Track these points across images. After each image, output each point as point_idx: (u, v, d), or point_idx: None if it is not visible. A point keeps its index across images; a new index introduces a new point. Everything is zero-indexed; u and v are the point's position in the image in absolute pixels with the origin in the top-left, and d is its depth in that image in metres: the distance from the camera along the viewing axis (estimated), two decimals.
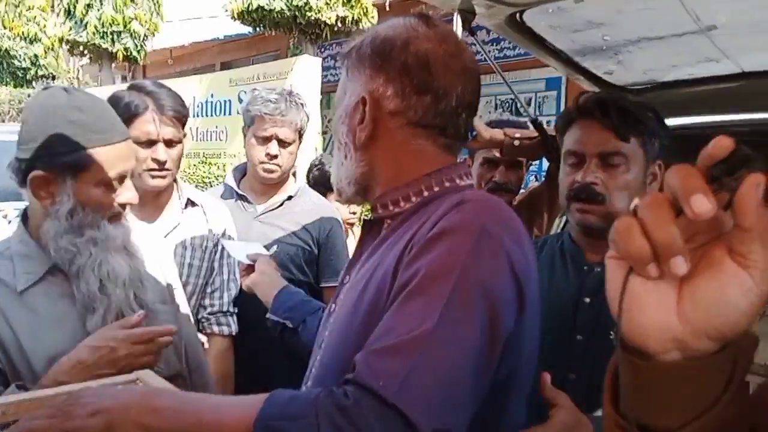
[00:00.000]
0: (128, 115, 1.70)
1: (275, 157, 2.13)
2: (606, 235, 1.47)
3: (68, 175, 1.23)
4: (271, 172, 2.15)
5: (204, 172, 8.31)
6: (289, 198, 2.23)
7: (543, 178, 2.38)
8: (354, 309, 0.98)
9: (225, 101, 8.88)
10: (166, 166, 1.81)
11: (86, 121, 1.25)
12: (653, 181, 1.44)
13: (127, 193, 1.33)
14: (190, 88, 9.58)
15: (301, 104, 2.18)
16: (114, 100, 1.71)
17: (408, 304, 0.86)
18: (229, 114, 8.87)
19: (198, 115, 9.30)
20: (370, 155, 1.05)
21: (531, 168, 2.58)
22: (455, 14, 1.87)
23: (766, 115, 2.08)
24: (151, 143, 1.78)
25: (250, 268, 1.52)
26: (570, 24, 1.85)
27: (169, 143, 1.81)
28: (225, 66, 15.03)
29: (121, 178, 1.31)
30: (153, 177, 1.81)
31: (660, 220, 0.48)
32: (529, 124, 2.00)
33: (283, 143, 2.14)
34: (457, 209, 0.92)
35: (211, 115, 9.10)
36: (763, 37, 1.78)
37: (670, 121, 2.29)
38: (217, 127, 8.96)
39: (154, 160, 1.79)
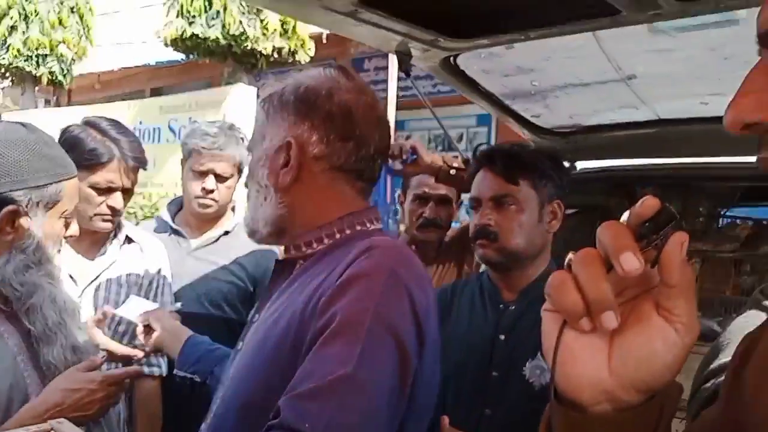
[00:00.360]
0: (94, 162, 1.69)
1: (211, 191, 2.08)
2: (508, 270, 1.56)
3: (42, 209, 1.24)
4: (207, 207, 2.10)
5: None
6: (226, 233, 2.16)
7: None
8: (259, 347, 1.02)
9: (154, 129, 8.66)
10: (117, 212, 1.79)
11: (54, 155, 1.27)
12: (553, 219, 1.58)
13: (73, 226, 1.35)
14: (118, 114, 9.29)
15: (242, 138, 2.13)
16: (74, 141, 1.68)
17: (327, 348, 0.90)
18: (158, 142, 8.65)
19: None
20: (291, 198, 1.08)
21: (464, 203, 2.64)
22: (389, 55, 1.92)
23: (680, 160, 2.22)
24: (110, 190, 1.75)
25: (148, 329, 1.48)
26: (501, 69, 1.94)
27: (125, 191, 1.79)
28: (155, 92, 14.72)
29: (73, 212, 1.34)
30: (104, 221, 1.78)
31: (592, 276, 0.49)
32: (462, 164, 2.05)
33: (220, 178, 2.09)
34: (366, 255, 0.97)
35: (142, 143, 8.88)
36: (676, 87, 1.92)
37: (594, 164, 2.42)
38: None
39: (110, 207, 1.75)
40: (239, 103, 7.61)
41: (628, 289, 0.53)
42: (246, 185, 1.17)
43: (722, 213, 2.46)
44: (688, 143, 2.10)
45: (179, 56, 10.54)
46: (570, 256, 0.52)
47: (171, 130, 8.31)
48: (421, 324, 0.96)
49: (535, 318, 1.60)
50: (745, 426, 0.59)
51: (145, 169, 1.84)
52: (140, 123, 8.77)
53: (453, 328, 1.61)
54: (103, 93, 15.22)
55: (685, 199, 2.37)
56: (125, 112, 9.28)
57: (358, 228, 1.08)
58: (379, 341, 0.90)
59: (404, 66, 1.85)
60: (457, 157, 2.16)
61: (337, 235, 1.07)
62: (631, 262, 0.47)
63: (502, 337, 1.54)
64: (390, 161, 1.99)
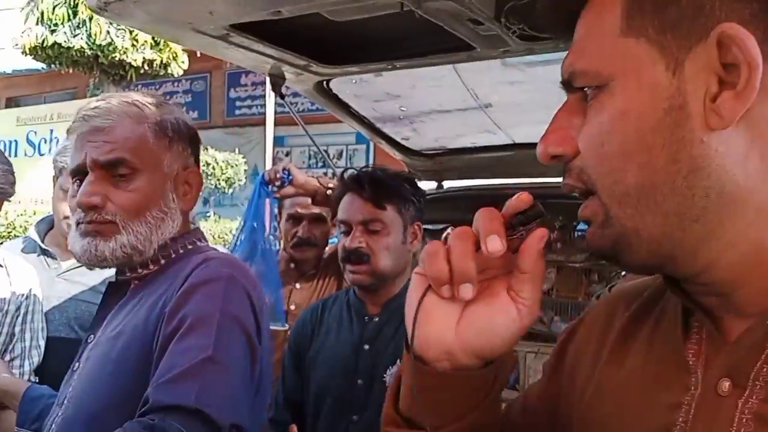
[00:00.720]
0: None
1: None
2: (375, 289, 1.68)
3: None
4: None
5: None
6: None
7: None
8: (102, 363, 1.05)
9: (11, 141, 8.06)
10: None
11: None
12: (414, 240, 1.71)
13: None
14: None
15: None
16: None
17: (182, 343, 0.98)
18: (15, 155, 8.06)
19: None
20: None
21: None
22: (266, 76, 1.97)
23: (534, 180, 2.43)
24: None
25: None
26: (371, 94, 2.04)
27: None
28: (11, 102, 13.61)
29: None
30: None
31: (461, 251, 0.58)
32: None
33: None
34: (204, 265, 1.08)
35: None
36: (527, 114, 2.11)
37: (460, 183, 2.59)
38: None
39: None
40: None
41: (490, 269, 0.62)
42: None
43: (575, 227, 2.73)
44: (541, 165, 2.31)
45: (38, 65, 9.85)
46: (449, 230, 0.61)
47: (29, 143, 7.76)
48: (259, 319, 1.10)
49: (395, 327, 1.64)
50: (559, 401, 0.70)
51: (9, 201, 1.75)
52: None
53: (322, 342, 1.71)
54: None
55: None
56: None
57: (190, 247, 1.18)
58: (229, 331, 1.02)
59: (278, 88, 1.90)
60: (332, 177, 2.24)
61: (173, 255, 1.15)
62: (495, 244, 0.57)
63: (366, 346, 1.64)
64: (268, 186, 2.04)
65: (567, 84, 0.60)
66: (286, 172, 2.04)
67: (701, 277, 0.57)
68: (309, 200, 2.18)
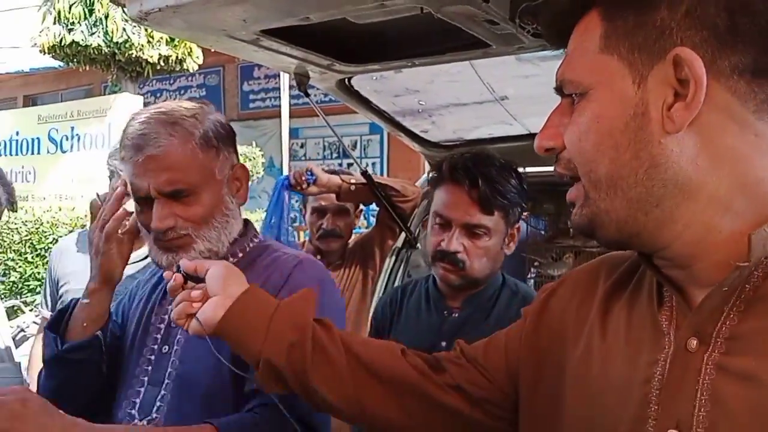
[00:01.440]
0: None
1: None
2: (465, 288, 1.56)
3: None
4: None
5: (8, 216, 7.55)
6: None
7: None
8: (207, 346, 1.10)
9: (33, 139, 8.19)
10: None
11: None
12: (511, 242, 1.58)
13: None
14: None
15: None
16: None
17: None
18: (38, 153, 8.21)
19: (0, 154, 8.48)
20: None
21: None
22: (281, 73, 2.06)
23: (549, 168, 2.50)
24: None
25: None
26: (391, 89, 2.12)
27: None
28: (29, 100, 13.82)
29: None
30: None
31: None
32: (361, 176, 2.22)
33: None
34: (299, 268, 1.20)
35: (17, 154, 8.34)
36: (541, 105, 2.18)
37: None
38: (23, 167, 8.22)
39: None
40: (125, 112, 7.37)
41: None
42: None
43: None
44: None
45: (55, 62, 10.00)
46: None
47: (51, 140, 7.90)
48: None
49: (477, 326, 1.57)
50: (548, 354, 0.83)
51: (15, 211, 1.85)
52: (17, 133, 8.27)
53: (401, 331, 1.63)
54: None
55: (558, 201, 2.67)
56: None
57: (256, 240, 1.30)
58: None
59: (303, 87, 1.99)
60: (352, 174, 2.33)
61: (247, 249, 1.27)
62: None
63: (444, 344, 1.53)
64: (291, 189, 2.15)
65: (559, 90, 0.74)
66: (309, 173, 2.15)
67: (664, 252, 0.69)
68: (333, 195, 2.28)
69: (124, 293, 1.38)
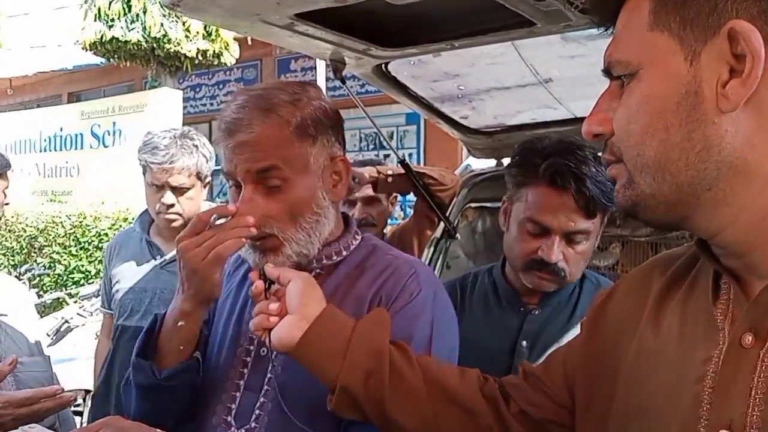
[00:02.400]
0: None
1: (171, 206, 2.05)
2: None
3: None
4: (171, 221, 2.08)
5: (53, 211, 7.75)
6: None
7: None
8: None
9: (76, 135, 8.38)
10: None
11: None
12: (596, 241, 1.47)
13: None
14: (36, 121, 8.94)
15: (195, 146, 2.08)
16: None
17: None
18: (81, 148, 8.39)
19: (45, 150, 8.69)
20: None
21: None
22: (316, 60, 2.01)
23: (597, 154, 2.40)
24: None
25: None
26: (429, 74, 2.06)
27: None
28: (73, 97, 14.15)
29: None
30: None
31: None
32: (398, 164, 2.17)
33: (178, 190, 2.04)
34: (412, 278, 1.12)
35: (61, 150, 8.55)
36: (588, 88, 2.08)
37: None
38: (67, 162, 8.42)
39: None
40: (164, 106, 7.47)
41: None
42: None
43: None
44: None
45: (97, 59, 10.21)
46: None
47: (94, 135, 8.06)
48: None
49: (561, 325, 1.47)
50: (603, 359, 0.80)
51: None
52: (61, 129, 8.47)
53: (468, 330, 1.38)
54: (16, 98, 14.50)
55: None
56: (44, 118, 8.94)
57: (359, 237, 1.22)
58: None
59: (339, 74, 1.94)
60: (385, 165, 2.27)
61: (351, 247, 1.20)
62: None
63: (525, 343, 1.43)
64: None
65: (607, 72, 0.71)
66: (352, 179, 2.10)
67: (718, 238, 0.66)
68: (371, 188, 2.23)
69: None
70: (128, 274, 2.16)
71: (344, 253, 1.18)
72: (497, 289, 1.55)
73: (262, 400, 1.10)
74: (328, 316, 0.93)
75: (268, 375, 1.11)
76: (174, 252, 1.99)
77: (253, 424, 1.09)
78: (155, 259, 2.12)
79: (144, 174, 2.10)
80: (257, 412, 1.09)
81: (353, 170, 2.12)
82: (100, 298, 2.46)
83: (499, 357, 1.45)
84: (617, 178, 0.70)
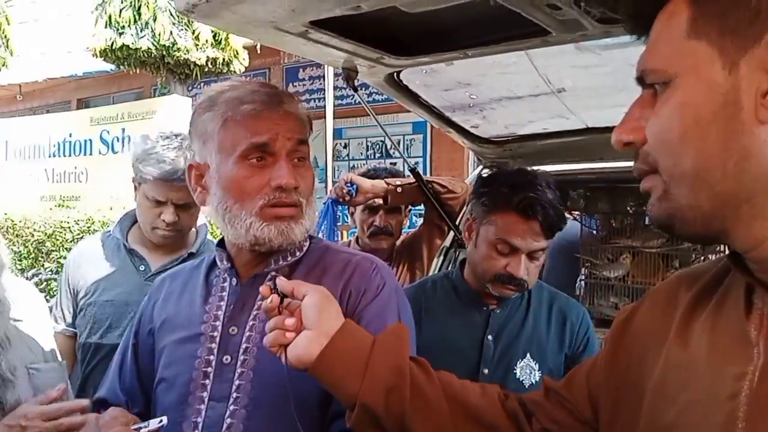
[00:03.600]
0: None
1: (173, 223, 1.87)
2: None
3: None
4: (166, 237, 1.90)
5: (62, 216, 7.77)
6: (191, 255, 1.94)
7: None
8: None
9: (86, 141, 8.41)
10: None
11: None
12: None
13: None
14: (46, 126, 8.98)
15: None
16: None
17: None
18: (90, 154, 8.41)
19: (54, 155, 8.73)
20: None
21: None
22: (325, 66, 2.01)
23: (607, 164, 2.39)
24: None
25: None
26: (441, 83, 2.05)
27: None
28: (82, 103, 14.23)
29: None
30: None
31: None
32: (408, 173, 2.16)
33: (181, 206, 1.86)
34: (375, 272, 1.17)
35: (70, 155, 8.57)
36: (601, 98, 2.08)
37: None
38: (76, 167, 8.44)
39: None
40: (173, 114, 7.49)
41: None
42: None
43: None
44: (614, 149, 2.28)
45: (107, 66, 10.26)
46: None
47: (103, 142, 8.09)
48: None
49: (519, 321, 1.72)
50: (627, 376, 0.79)
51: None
52: (70, 135, 8.49)
53: (435, 329, 1.66)
54: (25, 104, 14.59)
55: (613, 199, 2.56)
56: (53, 123, 8.97)
57: (313, 240, 1.25)
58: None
59: (351, 82, 1.94)
60: (394, 177, 2.27)
61: (305, 248, 1.22)
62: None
63: (490, 337, 1.65)
64: (338, 203, 2.11)
65: (640, 80, 0.70)
66: (350, 184, 2.11)
67: (754, 252, 0.64)
68: (381, 201, 2.22)
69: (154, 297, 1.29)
70: (105, 285, 1.93)
71: (298, 254, 1.20)
72: (458, 291, 1.74)
73: (232, 408, 1.08)
74: (347, 331, 0.92)
75: (237, 382, 1.09)
76: (160, 263, 1.91)
77: None
78: (138, 270, 1.92)
79: (138, 184, 1.89)
80: (228, 421, 1.08)
81: (354, 178, 2.14)
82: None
83: (468, 352, 1.64)
84: (652, 191, 0.69)
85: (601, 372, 0.84)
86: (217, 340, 1.14)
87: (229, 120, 1.11)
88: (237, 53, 9.15)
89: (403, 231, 2.55)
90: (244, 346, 1.13)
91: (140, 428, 1.07)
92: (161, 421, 1.08)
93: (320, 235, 2.08)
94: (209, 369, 1.13)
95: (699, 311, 0.73)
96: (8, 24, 11.00)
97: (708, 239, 0.68)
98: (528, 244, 1.58)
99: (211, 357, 1.13)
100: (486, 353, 1.63)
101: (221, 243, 1.25)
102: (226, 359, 1.12)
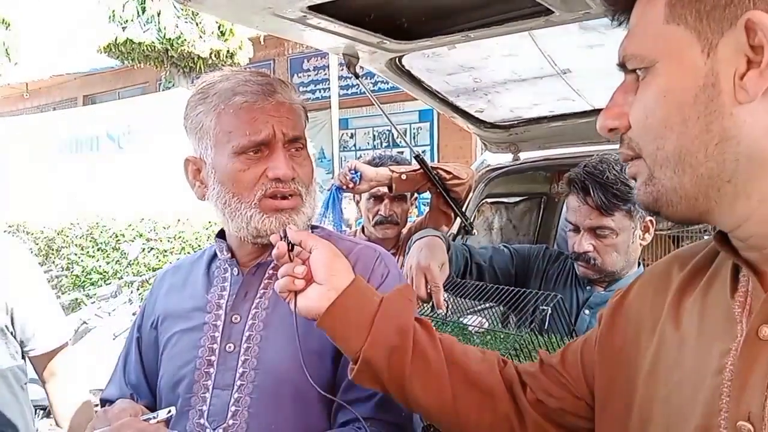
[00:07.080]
0: None
1: None
2: (604, 280, 1.73)
3: None
4: None
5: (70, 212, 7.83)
6: None
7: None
8: (292, 339, 1.01)
9: (92, 137, 8.44)
10: None
11: None
12: (645, 233, 1.71)
13: None
14: (53, 124, 9.02)
15: None
16: None
17: None
18: (97, 150, 8.44)
19: (61, 152, 8.76)
20: None
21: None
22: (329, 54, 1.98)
23: (615, 146, 2.36)
24: None
25: None
26: (444, 67, 2.02)
27: None
28: (88, 99, 14.27)
29: None
30: None
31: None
32: (413, 160, 2.13)
33: None
34: (379, 261, 1.17)
35: (78, 152, 8.61)
36: (607, 79, 2.04)
37: (537, 153, 2.54)
38: (83, 164, 8.48)
39: None
40: (179, 108, 7.45)
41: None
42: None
43: None
44: None
45: (112, 62, 10.27)
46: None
47: (110, 137, 8.11)
48: None
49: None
50: (622, 353, 0.81)
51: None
52: (77, 132, 8.52)
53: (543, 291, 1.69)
54: (32, 102, 14.66)
55: None
56: (60, 122, 9.00)
57: (316, 229, 1.23)
58: None
59: (352, 68, 1.91)
60: (399, 165, 2.24)
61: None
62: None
63: (587, 312, 1.73)
64: (343, 191, 2.09)
65: (622, 66, 0.71)
66: (354, 171, 2.08)
67: (738, 231, 0.67)
68: (386, 189, 2.20)
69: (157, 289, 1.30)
70: None
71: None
72: (575, 273, 1.80)
73: (236, 395, 1.08)
74: (356, 288, 0.94)
75: (240, 370, 1.10)
76: None
77: (230, 422, 1.07)
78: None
79: None
80: (233, 408, 1.08)
81: (358, 166, 2.11)
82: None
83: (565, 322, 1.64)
84: (637, 176, 0.71)
85: (597, 350, 0.86)
86: (221, 328, 1.14)
87: (222, 114, 1.10)
88: (241, 45, 9.14)
89: (410, 219, 2.52)
90: (247, 334, 1.12)
91: (149, 419, 1.06)
92: (170, 411, 1.08)
93: (324, 224, 2.07)
94: (213, 357, 1.13)
95: (690, 290, 0.76)
96: (9, 26, 11.05)
97: (694, 220, 0.70)
98: (582, 220, 1.66)
99: (215, 345, 1.13)
100: (579, 326, 1.69)
101: (221, 234, 1.24)
102: (230, 347, 1.12)
